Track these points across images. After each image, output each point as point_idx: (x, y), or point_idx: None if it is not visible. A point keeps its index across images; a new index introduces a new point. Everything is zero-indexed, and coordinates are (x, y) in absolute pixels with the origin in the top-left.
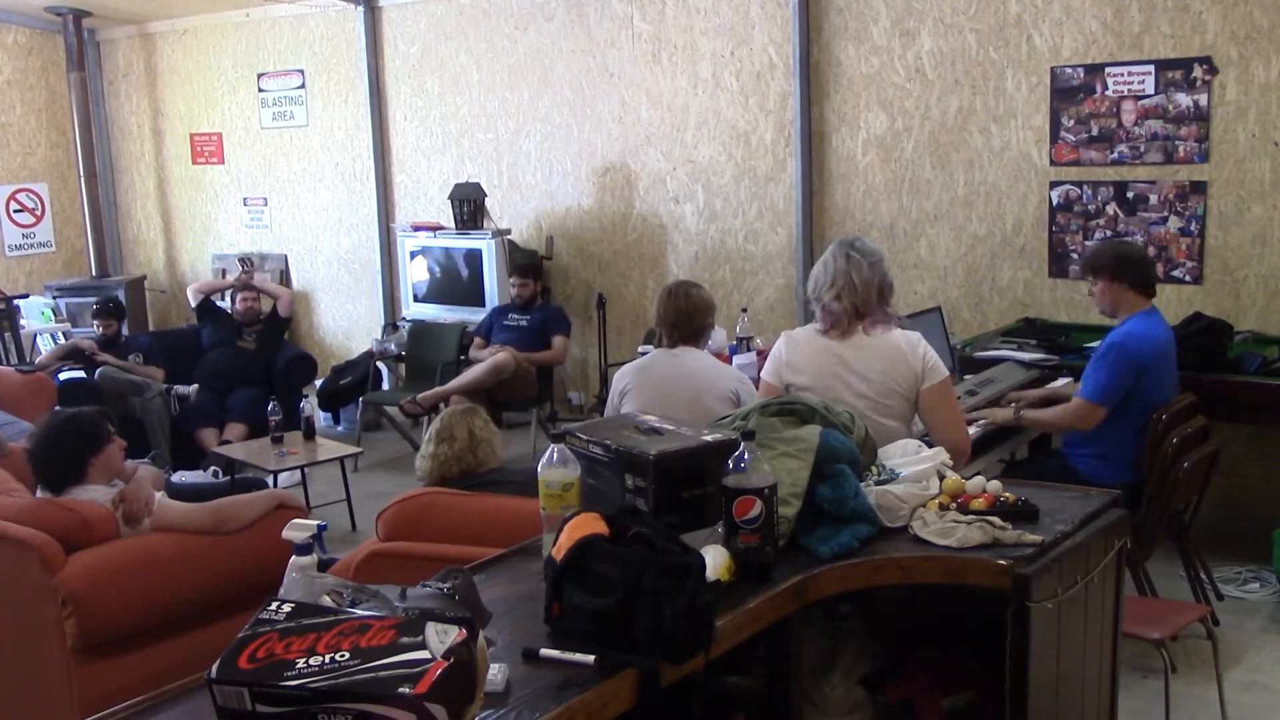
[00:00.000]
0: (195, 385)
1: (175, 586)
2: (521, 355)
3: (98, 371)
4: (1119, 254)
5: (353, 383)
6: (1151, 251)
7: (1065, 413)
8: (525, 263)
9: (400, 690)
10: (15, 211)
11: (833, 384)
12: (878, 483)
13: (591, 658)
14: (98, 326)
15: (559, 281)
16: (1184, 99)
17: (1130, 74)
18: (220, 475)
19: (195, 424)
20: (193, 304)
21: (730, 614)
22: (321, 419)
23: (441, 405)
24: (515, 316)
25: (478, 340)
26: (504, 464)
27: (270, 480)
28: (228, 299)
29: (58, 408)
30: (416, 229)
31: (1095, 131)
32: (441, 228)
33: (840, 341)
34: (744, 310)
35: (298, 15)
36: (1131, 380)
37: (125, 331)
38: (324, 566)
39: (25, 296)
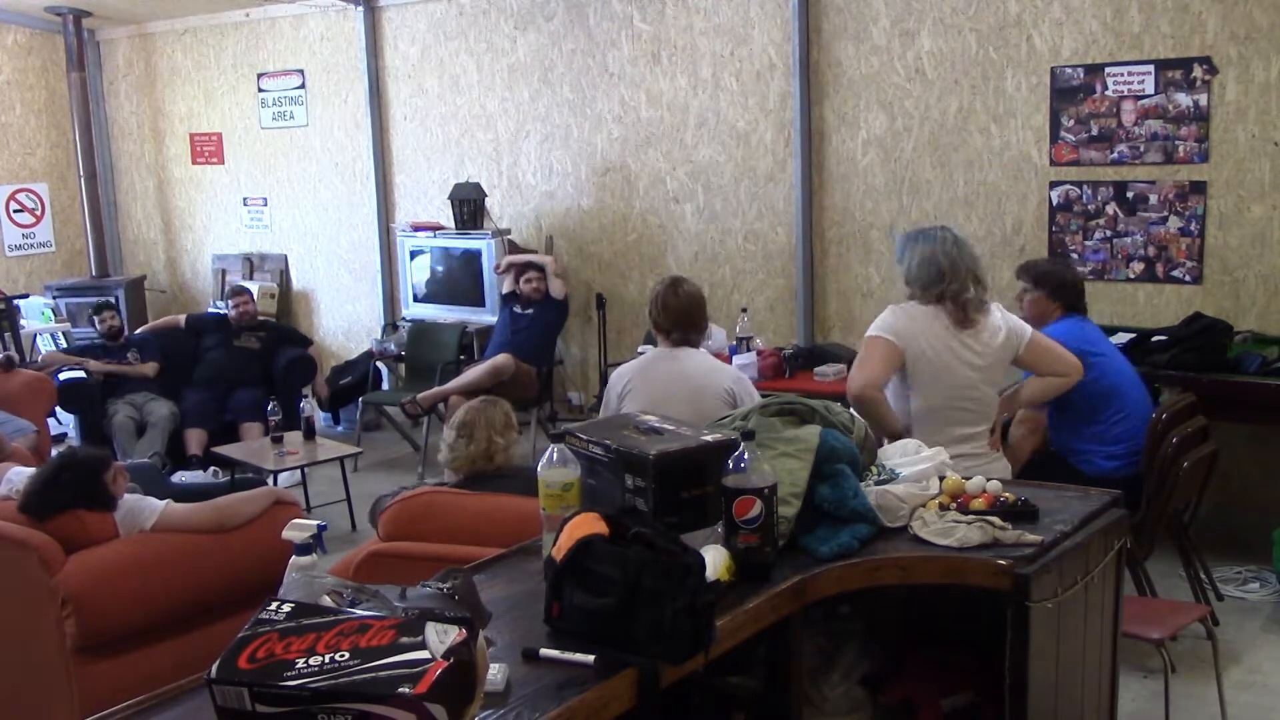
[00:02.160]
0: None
1: (175, 586)
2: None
3: (112, 424)
4: (1053, 270)
5: (353, 383)
6: (1151, 251)
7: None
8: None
9: (400, 690)
10: (15, 211)
11: (950, 359)
12: (878, 483)
13: (591, 658)
14: (100, 322)
15: None
16: (1184, 99)
17: (1130, 74)
18: (220, 475)
19: (185, 423)
20: (183, 326)
21: (730, 614)
22: (321, 419)
23: (441, 406)
24: (519, 310)
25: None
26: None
27: (270, 480)
28: (225, 303)
29: (61, 451)
30: (416, 229)
31: (1095, 131)
32: (441, 228)
33: (959, 325)
34: (744, 310)
35: (298, 15)
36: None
37: (125, 331)
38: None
39: (25, 296)
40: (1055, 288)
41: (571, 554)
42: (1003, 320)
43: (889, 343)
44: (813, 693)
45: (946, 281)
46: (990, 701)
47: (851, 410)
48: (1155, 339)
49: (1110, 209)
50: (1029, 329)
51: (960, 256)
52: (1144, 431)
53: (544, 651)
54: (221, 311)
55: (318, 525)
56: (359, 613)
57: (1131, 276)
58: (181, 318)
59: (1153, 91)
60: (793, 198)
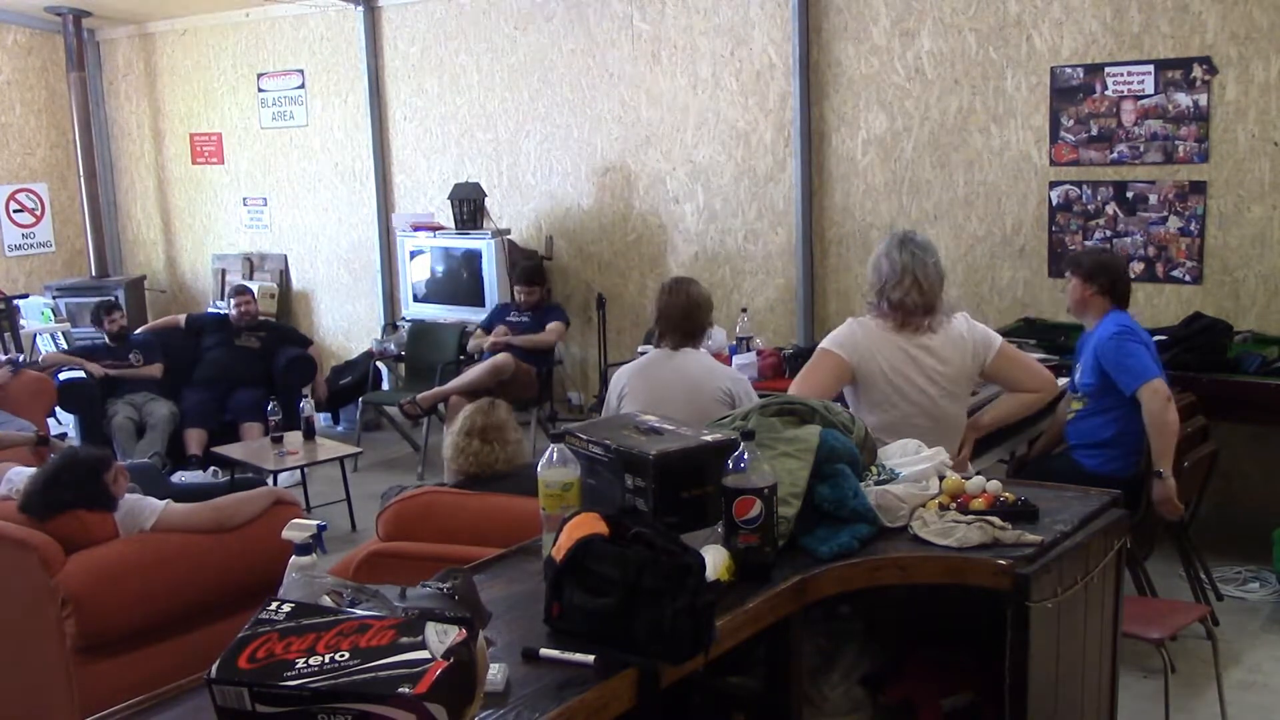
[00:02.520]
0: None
1: (175, 586)
2: (518, 340)
3: (111, 424)
4: (1102, 261)
5: (353, 383)
6: (1151, 251)
7: (1153, 413)
8: (530, 266)
9: (400, 690)
10: (15, 211)
11: (910, 372)
12: (878, 483)
13: (591, 658)
14: (107, 323)
15: (559, 281)
16: (1184, 99)
17: (1130, 74)
18: (220, 475)
19: (185, 423)
20: (183, 325)
21: (730, 614)
22: (321, 419)
23: (441, 406)
24: (516, 314)
25: (478, 331)
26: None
27: (270, 480)
28: (226, 302)
29: (64, 450)
30: (416, 229)
31: (1095, 131)
32: (441, 228)
33: (911, 335)
34: (744, 310)
35: (298, 15)
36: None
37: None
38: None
39: (25, 296)
40: (1096, 277)
41: (571, 554)
42: (968, 332)
43: (837, 358)
44: (813, 693)
45: (885, 283)
46: (990, 701)
47: (851, 410)
48: (1155, 339)
49: (1110, 209)
50: (998, 339)
51: (903, 259)
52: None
53: (544, 651)
54: (221, 311)
55: (318, 525)
56: (359, 613)
57: (1131, 276)
58: (181, 317)
59: (1152, 91)
60: (793, 198)
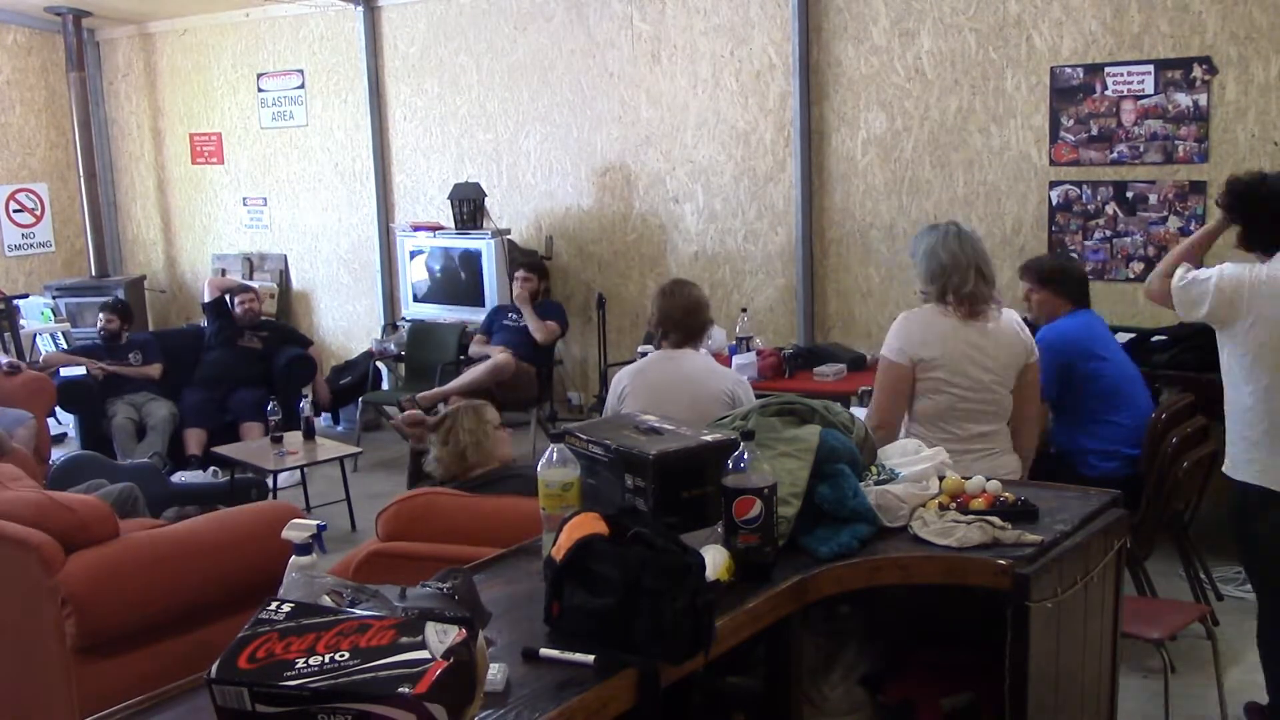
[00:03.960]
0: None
1: (175, 586)
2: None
3: (111, 424)
4: (1058, 266)
5: (353, 383)
6: (1151, 251)
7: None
8: (530, 260)
9: (400, 690)
10: (15, 211)
11: (963, 361)
12: (877, 483)
13: (591, 658)
14: (103, 319)
15: (559, 281)
16: (1183, 99)
17: (1130, 74)
18: (220, 475)
19: (185, 423)
20: (207, 299)
21: (730, 614)
22: (321, 419)
23: (441, 405)
24: (515, 316)
25: (479, 337)
26: (505, 462)
27: (270, 480)
28: (229, 301)
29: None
30: (416, 229)
31: (1095, 131)
32: (441, 228)
33: (970, 322)
34: (744, 310)
35: (297, 15)
36: (1064, 371)
37: (127, 334)
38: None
39: (25, 296)
40: (1062, 283)
41: (571, 554)
42: (1021, 331)
43: (897, 367)
44: (813, 693)
45: (948, 274)
46: (990, 701)
47: (851, 410)
48: (1155, 339)
49: (1110, 209)
50: (1035, 352)
51: (962, 250)
52: (1144, 432)
53: (544, 651)
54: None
55: (318, 525)
56: (359, 613)
57: (1131, 276)
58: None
59: (1152, 91)
60: (793, 198)
